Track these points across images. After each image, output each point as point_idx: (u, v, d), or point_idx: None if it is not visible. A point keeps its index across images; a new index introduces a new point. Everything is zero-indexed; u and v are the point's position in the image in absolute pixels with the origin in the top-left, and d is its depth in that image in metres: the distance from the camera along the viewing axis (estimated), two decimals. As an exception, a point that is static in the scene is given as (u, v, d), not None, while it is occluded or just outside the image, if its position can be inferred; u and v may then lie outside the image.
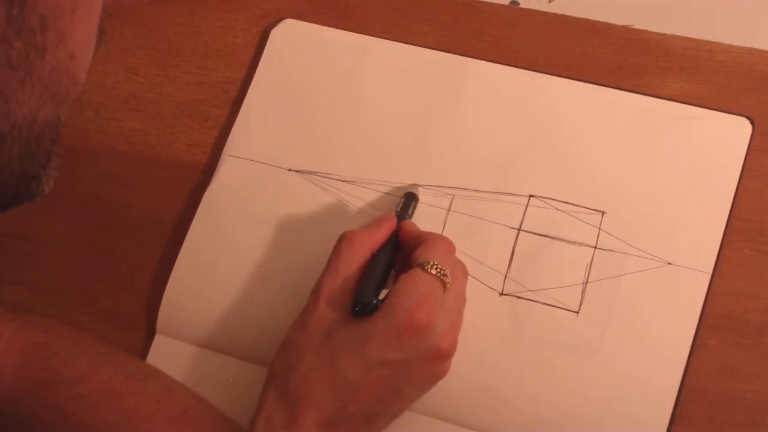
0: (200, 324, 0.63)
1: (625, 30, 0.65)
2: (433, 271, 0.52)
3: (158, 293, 0.64)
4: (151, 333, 0.64)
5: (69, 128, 0.70)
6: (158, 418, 0.53)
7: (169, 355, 0.62)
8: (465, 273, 0.56)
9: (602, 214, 0.60)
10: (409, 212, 0.60)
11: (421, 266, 0.52)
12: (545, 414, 0.56)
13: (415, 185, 0.62)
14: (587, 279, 0.58)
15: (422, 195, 0.62)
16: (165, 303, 0.63)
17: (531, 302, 0.58)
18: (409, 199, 0.61)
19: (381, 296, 0.53)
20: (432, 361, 0.53)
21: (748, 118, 0.60)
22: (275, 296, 0.62)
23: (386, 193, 0.63)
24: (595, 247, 0.59)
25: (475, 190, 0.62)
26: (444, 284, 0.53)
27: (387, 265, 0.56)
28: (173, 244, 0.65)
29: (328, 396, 0.51)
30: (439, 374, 0.54)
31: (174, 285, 0.64)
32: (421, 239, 0.55)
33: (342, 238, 0.56)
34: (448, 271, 0.53)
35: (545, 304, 0.58)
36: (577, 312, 0.58)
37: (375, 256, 0.56)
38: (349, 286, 0.54)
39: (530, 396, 0.56)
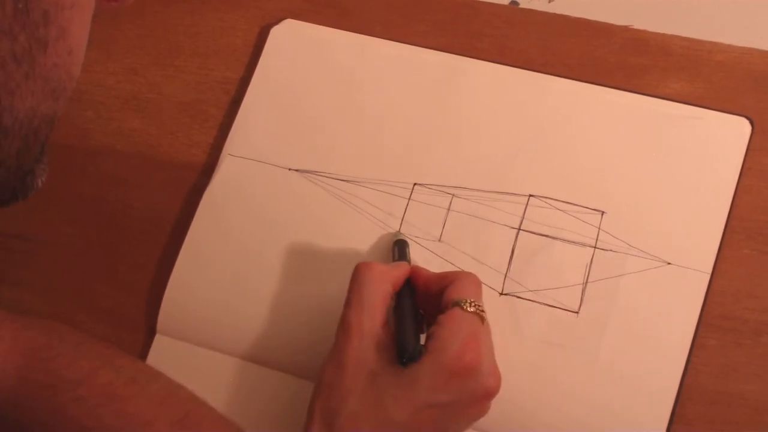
0: (201, 324, 0.63)
1: (625, 30, 0.65)
2: (472, 309, 0.52)
3: (158, 293, 0.64)
4: (151, 333, 0.64)
5: (69, 128, 0.71)
6: (159, 421, 0.53)
7: (169, 355, 0.63)
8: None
9: (602, 214, 0.60)
10: (408, 258, 0.59)
11: (459, 306, 0.52)
12: (545, 413, 0.56)
13: (398, 233, 0.61)
14: (587, 279, 0.59)
15: (422, 194, 0.62)
16: (165, 303, 0.63)
17: (531, 302, 0.58)
18: (402, 247, 0.60)
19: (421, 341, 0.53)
20: (480, 400, 0.52)
21: (747, 117, 0.60)
22: (275, 296, 0.62)
23: (386, 193, 0.63)
24: (595, 247, 0.59)
25: (474, 190, 0.62)
26: (482, 320, 0.52)
27: (415, 310, 0.55)
28: (173, 243, 0.65)
29: None
30: (484, 411, 0.53)
31: (174, 285, 0.64)
32: (448, 279, 0.55)
33: (359, 269, 0.55)
34: (484, 306, 0.53)
35: (545, 304, 0.58)
36: (576, 312, 0.58)
37: (399, 303, 0.55)
38: (378, 320, 0.53)
39: (529, 396, 0.57)
